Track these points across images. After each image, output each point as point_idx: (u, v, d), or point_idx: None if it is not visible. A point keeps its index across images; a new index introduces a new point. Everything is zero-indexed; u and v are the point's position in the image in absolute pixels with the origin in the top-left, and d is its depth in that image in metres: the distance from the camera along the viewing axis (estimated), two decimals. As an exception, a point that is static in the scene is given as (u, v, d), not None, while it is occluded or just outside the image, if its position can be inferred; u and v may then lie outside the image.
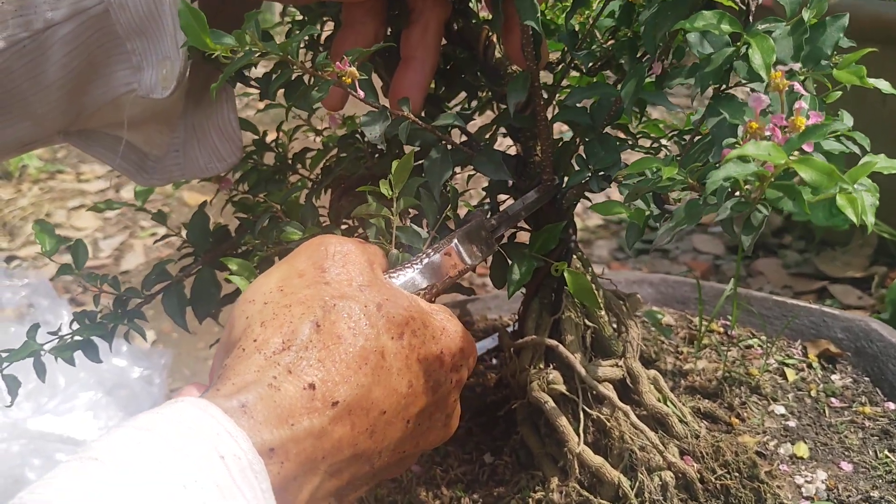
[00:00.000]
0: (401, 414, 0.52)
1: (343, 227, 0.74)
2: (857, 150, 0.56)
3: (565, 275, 0.66)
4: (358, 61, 0.57)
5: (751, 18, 0.54)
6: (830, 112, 0.55)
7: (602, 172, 0.62)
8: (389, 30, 0.70)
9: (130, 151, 0.74)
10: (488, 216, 0.66)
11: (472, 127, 0.71)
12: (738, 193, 0.46)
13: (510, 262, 0.68)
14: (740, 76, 0.52)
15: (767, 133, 0.44)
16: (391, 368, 0.51)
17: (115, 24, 0.65)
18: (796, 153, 0.45)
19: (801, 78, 0.51)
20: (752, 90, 0.50)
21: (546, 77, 0.74)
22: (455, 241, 0.62)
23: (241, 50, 0.55)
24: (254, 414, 0.45)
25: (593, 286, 0.73)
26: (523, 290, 0.77)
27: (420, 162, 0.66)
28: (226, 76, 0.56)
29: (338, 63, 0.56)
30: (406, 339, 0.53)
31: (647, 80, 0.62)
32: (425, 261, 0.60)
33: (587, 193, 0.67)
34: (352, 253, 0.55)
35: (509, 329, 0.83)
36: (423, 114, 0.65)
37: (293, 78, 0.61)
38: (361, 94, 0.57)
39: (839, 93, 0.60)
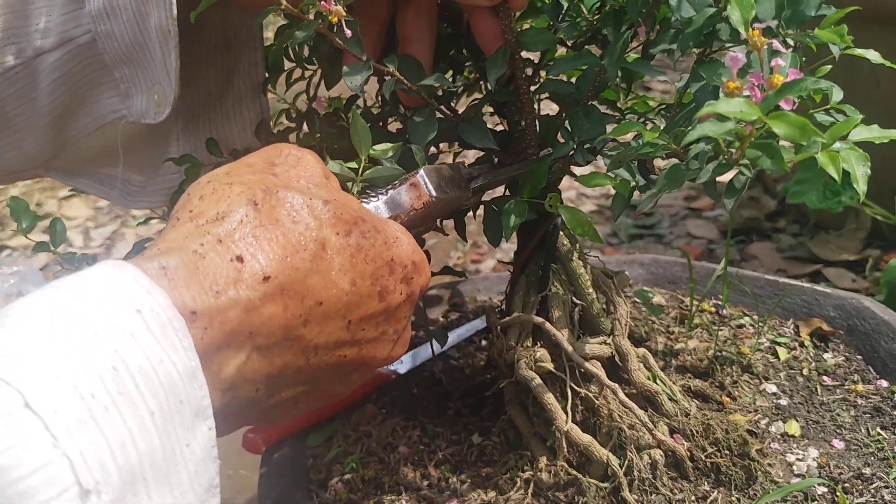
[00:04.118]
0: (341, 311, 0.51)
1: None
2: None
3: (560, 210, 0.64)
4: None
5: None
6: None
7: (587, 145, 0.61)
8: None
9: (112, 179, 0.75)
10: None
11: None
12: (720, 157, 0.46)
13: (500, 209, 0.67)
14: (723, 38, 0.51)
15: (746, 92, 0.44)
16: (332, 261, 0.50)
17: (102, 53, 0.66)
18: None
19: (781, 37, 0.50)
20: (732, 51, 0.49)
21: (531, 55, 0.73)
22: (421, 172, 0.61)
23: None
24: (174, 277, 0.44)
25: (582, 263, 0.73)
26: (510, 268, 0.76)
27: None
28: (204, 6, 0.55)
29: (322, 2, 0.54)
30: (353, 238, 0.52)
31: (632, 52, 0.61)
32: (390, 192, 0.60)
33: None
34: (306, 159, 0.54)
35: (497, 308, 0.83)
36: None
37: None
38: (349, 32, 0.56)
39: (829, 67, 0.59)
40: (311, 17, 0.55)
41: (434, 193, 0.60)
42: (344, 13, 0.55)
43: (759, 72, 0.44)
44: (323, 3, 0.54)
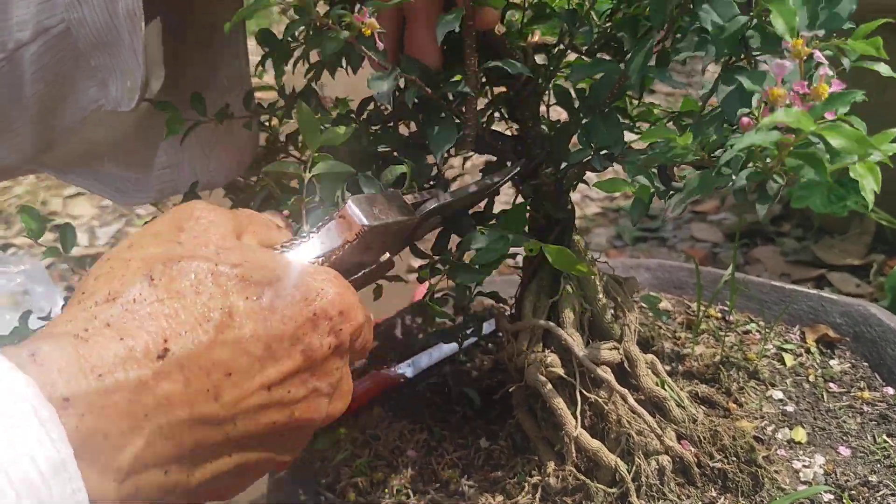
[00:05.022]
0: (256, 378, 0.47)
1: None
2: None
3: (545, 250, 0.61)
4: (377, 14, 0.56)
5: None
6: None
7: (604, 151, 0.61)
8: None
9: (106, 176, 0.75)
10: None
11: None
12: (751, 164, 0.46)
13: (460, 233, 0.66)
14: (753, 47, 0.52)
15: (788, 101, 0.44)
16: (242, 329, 0.47)
17: (77, 42, 0.65)
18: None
19: (821, 46, 0.50)
20: (769, 59, 0.50)
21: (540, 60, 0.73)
22: (349, 202, 0.57)
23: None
24: (44, 362, 0.40)
25: (591, 268, 0.73)
26: (520, 273, 0.77)
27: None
28: (239, 17, 0.55)
29: (356, 15, 0.54)
30: (266, 300, 0.49)
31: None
32: (322, 228, 0.57)
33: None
34: (217, 220, 0.52)
35: (506, 312, 0.83)
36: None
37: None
38: (381, 45, 0.56)
39: (834, 77, 0.60)
40: (341, 28, 0.55)
41: (366, 221, 0.57)
42: (377, 25, 0.55)
43: (801, 80, 0.44)
44: (357, 15, 0.54)
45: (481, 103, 0.76)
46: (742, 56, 0.55)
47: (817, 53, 0.47)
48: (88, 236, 2.28)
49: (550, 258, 0.61)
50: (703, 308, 0.92)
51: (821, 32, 0.49)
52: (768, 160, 0.46)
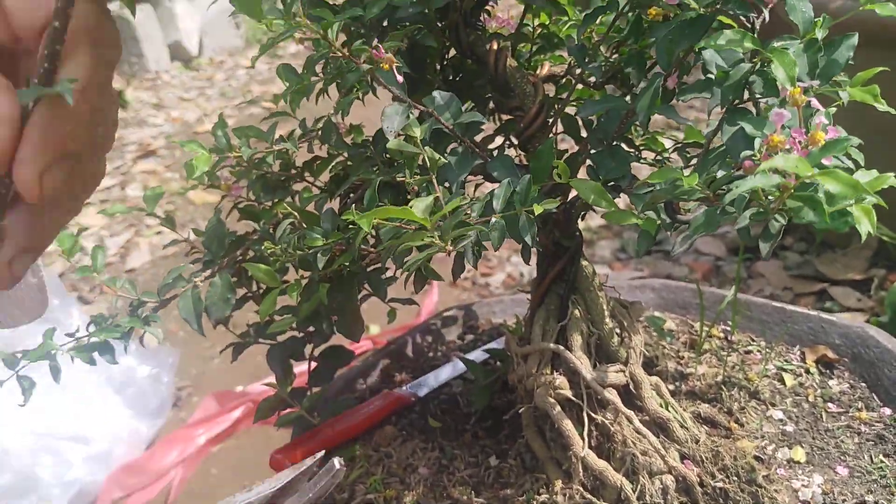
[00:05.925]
0: None
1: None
2: (850, 164, 0.58)
3: (573, 184, 0.59)
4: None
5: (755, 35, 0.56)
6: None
7: (612, 183, 0.63)
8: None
9: None
10: None
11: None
12: (754, 203, 0.48)
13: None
14: (756, 91, 0.54)
15: (787, 147, 0.46)
16: None
17: None
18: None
19: (812, 91, 0.53)
20: (770, 106, 0.52)
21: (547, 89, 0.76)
22: None
23: (286, 25, 0.56)
24: None
25: (600, 294, 0.75)
26: (521, 288, 0.79)
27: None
28: (264, 50, 0.57)
29: (374, 51, 0.57)
30: None
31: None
32: None
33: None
34: None
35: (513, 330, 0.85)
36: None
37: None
38: (400, 78, 0.58)
39: (834, 109, 0.62)
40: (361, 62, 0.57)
41: None
42: (395, 60, 0.57)
43: (799, 127, 0.47)
44: (375, 51, 0.57)
45: (488, 129, 0.79)
46: (746, 99, 0.57)
47: (814, 101, 0.49)
48: (99, 246, 2.30)
49: (578, 190, 0.58)
50: (706, 328, 0.94)
51: (816, 83, 0.51)
52: (770, 199, 0.49)
